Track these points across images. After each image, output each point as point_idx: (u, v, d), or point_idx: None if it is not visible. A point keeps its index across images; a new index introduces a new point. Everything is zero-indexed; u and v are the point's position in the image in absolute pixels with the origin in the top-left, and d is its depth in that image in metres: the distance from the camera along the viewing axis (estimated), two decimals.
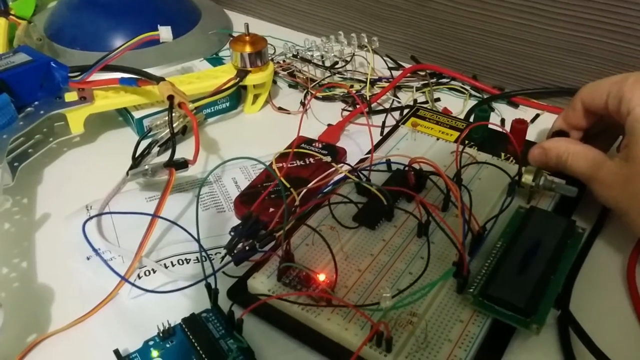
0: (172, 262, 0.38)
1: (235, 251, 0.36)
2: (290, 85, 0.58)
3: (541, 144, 0.42)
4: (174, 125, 0.45)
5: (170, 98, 0.41)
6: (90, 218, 0.39)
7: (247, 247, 0.36)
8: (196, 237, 0.34)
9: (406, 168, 0.41)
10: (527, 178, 0.40)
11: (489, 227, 0.37)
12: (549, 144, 0.41)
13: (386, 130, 0.50)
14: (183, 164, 0.39)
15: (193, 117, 0.40)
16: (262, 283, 0.35)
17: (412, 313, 0.32)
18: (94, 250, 0.38)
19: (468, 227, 0.35)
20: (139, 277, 0.37)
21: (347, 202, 0.40)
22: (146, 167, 0.39)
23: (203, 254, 0.34)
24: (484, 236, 0.37)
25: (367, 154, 0.46)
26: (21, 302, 0.36)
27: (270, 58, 0.55)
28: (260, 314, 0.34)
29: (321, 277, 0.34)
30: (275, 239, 0.37)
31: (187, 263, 0.38)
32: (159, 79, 0.44)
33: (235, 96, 0.54)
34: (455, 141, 0.47)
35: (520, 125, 0.46)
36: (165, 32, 0.46)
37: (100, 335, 0.34)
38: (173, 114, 0.43)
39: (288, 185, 0.39)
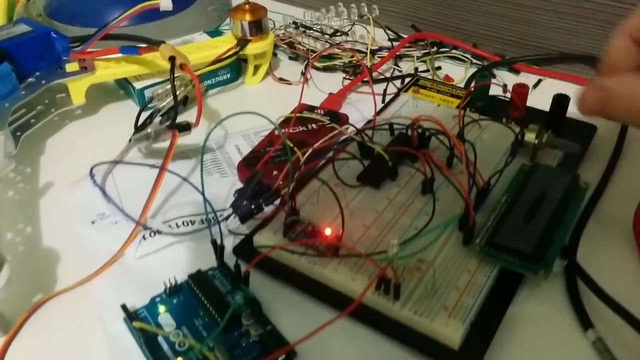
0: (177, 224, 0.38)
1: (240, 209, 0.36)
2: (290, 58, 0.58)
3: (600, 83, 0.29)
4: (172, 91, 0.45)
5: (172, 59, 0.41)
6: (98, 165, 0.38)
7: (252, 205, 0.36)
8: (200, 190, 0.34)
9: (409, 129, 0.41)
10: (530, 136, 0.40)
11: (493, 183, 0.37)
12: (614, 84, 0.28)
13: (387, 98, 0.50)
14: (186, 127, 0.39)
15: (195, 77, 0.40)
16: (268, 239, 0.35)
17: (420, 260, 0.32)
18: (105, 196, 0.37)
19: (473, 181, 0.35)
20: (144, 238, 0.37)
21: (351, 159, 0.40)
22: (149, 130, 0.39)
23: (209, 208, 0.34)
24: (488, 190, 0.37)
25: (368, 122, 0.46)
26: (26, 264, 0.36)
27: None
28: (266, 269, 0.34)
29: (327, 231, 0.34)
30: (280, 197, 0.37)
31: (192, 224, 0.38)
32: (159, 42, 0.44)
33: (235, 67, 0.54)
34: (457, 107, 0.47)
35: (521, 89, 0.46)
36: (165, 1, 0.46)
37: (107, 294, 0.34)
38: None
39: (291, 145, 0.39)
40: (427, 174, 0.37)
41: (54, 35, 0.46)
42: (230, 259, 0.34)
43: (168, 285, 0.33)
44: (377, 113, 0.46)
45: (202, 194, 0.32)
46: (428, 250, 0.32)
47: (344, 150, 0.41)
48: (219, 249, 0.34)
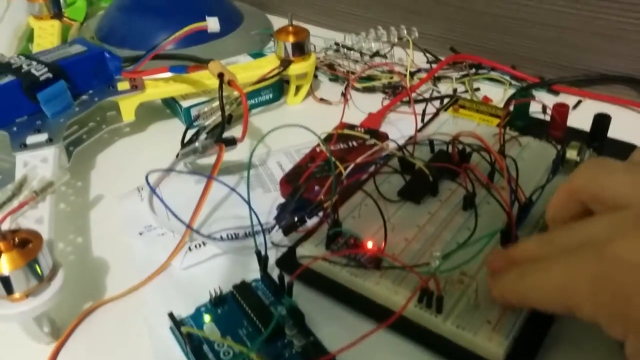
0: (221, 236, 0.39)
1: (283, 221, 0.37)
2: (330, 79, 0.60)
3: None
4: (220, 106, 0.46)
5: (221, 75, 0.43)
6: (153, 172, 0.40)
7: (295, 218, 0.37)
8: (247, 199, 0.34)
9: (449, 144, 0.41)
10: (571, 153, 0.40)
11: (535, 199, 0.37)
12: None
13: (427, 118, 0.51)
14: (232, 141, 0.41)
15: (242, 92, 0.42)
16: (310, 251, 0.35)
17: (462, 273, 0.32)
18: (160, 201, 0.38)
19: (515, 196, 0.35)
20: (190, 249, 0.38)
21: (392, 173, 0.40)
22: (197, 144, 0.41)
23: (254, 219, 0.35)
24: (530, 206, 0.37)
25: (409, 138, 0.46)
26: (77, 273, 0.37)
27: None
28: (308, 281, 0.35)
29: (369, 244, 0.34)
30: (323, 210, 0.37)
31: (237, 237, 0.39)
32: (208, 60, 0.46)
33: (278, 88, 0.55)
34: (498, 125, 0.47)
35: (561, 108, 0.46)
36: (212, 23, 0.47)
37: (154, 303, 0.35)
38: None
39: (333, 160, 0.39)
40: (468, 188, 0.37)
41: (107, 55, 0.48)
42: (273, 271, 0.35)
43: (213, 296, 0.34)
44: (418, 131, 0.47)
45: (248, 203, 0.33)
46: (471, 264, 0.32)
47: (385, 165, 0.42)
48: (263, 260, 0.34)
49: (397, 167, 0.42)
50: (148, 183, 0.37)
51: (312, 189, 0.41)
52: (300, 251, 0.36)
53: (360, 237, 0.35)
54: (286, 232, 0.36)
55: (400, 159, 0.41)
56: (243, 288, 0.34)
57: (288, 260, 0.36)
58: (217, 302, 0.34)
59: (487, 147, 0.38)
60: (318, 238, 0.36)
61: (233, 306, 0.33)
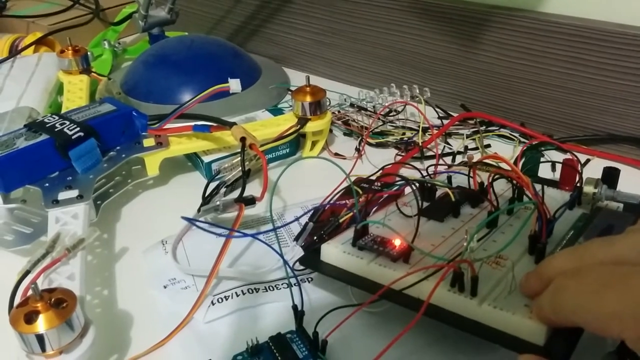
0: (242, 291, 0.41)
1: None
2: (345, 134, 0.62)
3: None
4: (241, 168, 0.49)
5: (243, 140, 0.45)
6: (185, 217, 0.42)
7: (315, 237, 0.39)
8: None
9: (469, 172, 0.43)
10: (588, 188, 0.42)
11: (557, 216, 0.38)
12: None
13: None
14: (251, 200, 0.43)
15: (263, 156, 0.44)
16: (336, 248, 0.37)
17: (499, 256, 0.34)
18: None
19: (541, 206, 0.36)
20: (212, 303, 0.40)
21: (416, 187, 0.42)
22: (218, 202, 0.43)
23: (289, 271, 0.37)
24: (554, 221, 0.38)
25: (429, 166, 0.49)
26: (103, 326, 0.39)
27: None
28: (337, 277, 0.37)
29: (397, 242, 0.36)
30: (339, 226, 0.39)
31: (257, 292, 0.41)
32: (231, 124, 0.48)
33: (294, 143, 0.58)
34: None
35: (571, 161, 0.47)
36: (234, 84, 0.50)
37: (180, 357, 0.36)
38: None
39: (356, 188, 0.42)
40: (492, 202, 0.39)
41: (135, 114, 0.51)
42: (307, 325, 0.36)
43: (250, 345, 0.35)
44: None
45: (282, 256, 0.36)
46: (508, 249, 0.33)
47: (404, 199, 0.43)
48: (299, 314, 0.36)
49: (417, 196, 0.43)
50: (190, 220, 0.41)
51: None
52: (326, 248, 0.37)
53: (386, 237, 0.37)
54: (306, 250, 0.38)
55: (422, 184, 0.43)
56: (279, 340, 0.36)
57: (312, 258, 0.38)
58: (254, 352, 0.35)
59: (511, 166, 0.40)
60: (345, 237, 0.38)
61: (268, 357, 0.35)
